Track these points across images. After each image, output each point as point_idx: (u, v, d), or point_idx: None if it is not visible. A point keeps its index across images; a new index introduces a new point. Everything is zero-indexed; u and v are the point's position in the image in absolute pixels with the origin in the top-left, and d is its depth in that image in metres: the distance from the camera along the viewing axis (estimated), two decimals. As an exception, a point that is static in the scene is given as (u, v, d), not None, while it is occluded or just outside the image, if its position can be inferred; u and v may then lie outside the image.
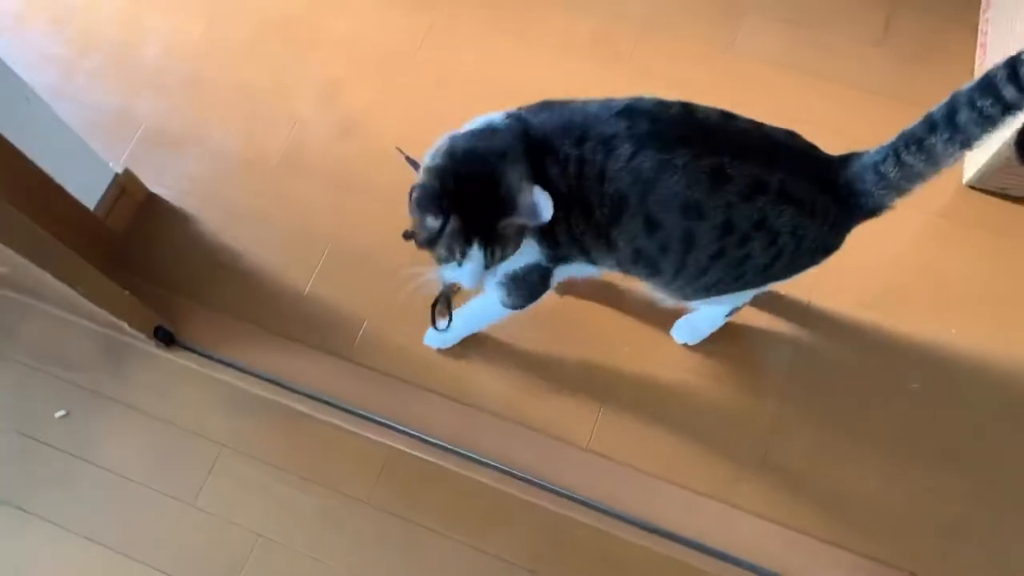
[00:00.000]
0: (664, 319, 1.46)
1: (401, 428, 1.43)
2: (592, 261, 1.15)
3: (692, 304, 1.27)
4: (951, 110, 0.91)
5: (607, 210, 1.04)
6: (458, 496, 1.39)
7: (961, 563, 1.32)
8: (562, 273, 1.21)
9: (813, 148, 1.05)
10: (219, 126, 1.70)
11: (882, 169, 0.99)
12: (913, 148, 0.95)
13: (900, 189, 1.00)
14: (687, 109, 1.03)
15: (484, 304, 1.33)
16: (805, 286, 1.49)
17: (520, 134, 1.02)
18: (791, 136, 1.05)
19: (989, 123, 0.89)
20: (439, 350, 1.47)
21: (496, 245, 1.03)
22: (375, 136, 1.67)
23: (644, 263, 1.11)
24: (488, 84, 1.70)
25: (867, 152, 1.02)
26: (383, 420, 1.44)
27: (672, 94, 1.04)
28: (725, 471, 1.38)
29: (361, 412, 1.44)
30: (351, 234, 1.58)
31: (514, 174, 1.00)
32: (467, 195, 0.99)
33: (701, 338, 1.43)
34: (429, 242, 1.03)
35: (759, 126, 1.04)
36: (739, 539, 1.34)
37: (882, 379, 1.44)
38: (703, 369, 1.45)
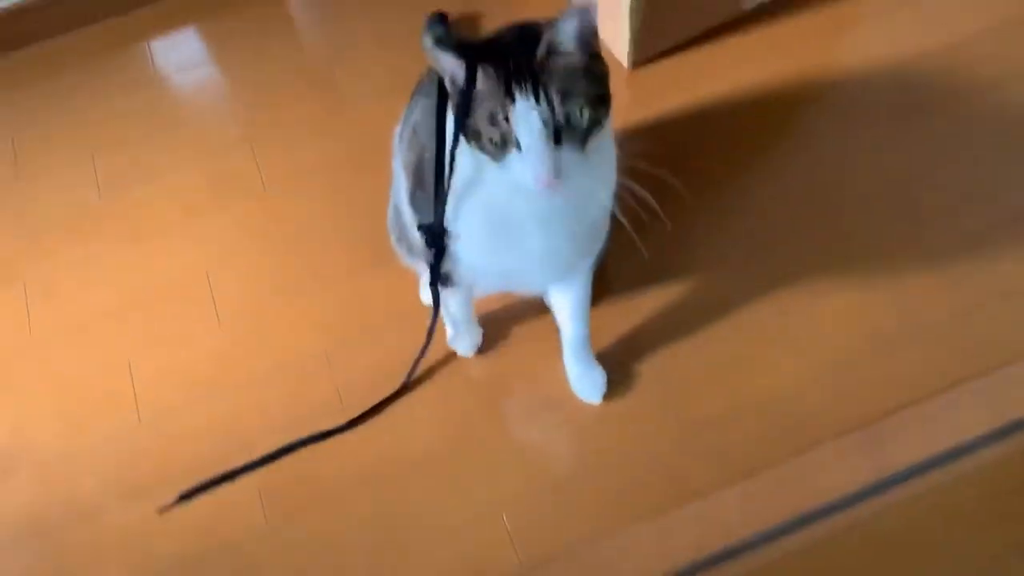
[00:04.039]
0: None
1: None
2: None
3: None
4: None
5: None
6: None
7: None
8: None
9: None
10: None
11: None
12: None
13: None
14: None
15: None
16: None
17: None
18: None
19: None
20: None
21: (548, 85, 0.79)
22: (37, 451, 1.24)
23: None
24: (123, 319, 1.36)
25: None
26: None
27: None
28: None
29: None
30: (98, 566, 1.14)
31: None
32: (493, 46, 0.82)
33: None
34: (463, 109, 0.80)
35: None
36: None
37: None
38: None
